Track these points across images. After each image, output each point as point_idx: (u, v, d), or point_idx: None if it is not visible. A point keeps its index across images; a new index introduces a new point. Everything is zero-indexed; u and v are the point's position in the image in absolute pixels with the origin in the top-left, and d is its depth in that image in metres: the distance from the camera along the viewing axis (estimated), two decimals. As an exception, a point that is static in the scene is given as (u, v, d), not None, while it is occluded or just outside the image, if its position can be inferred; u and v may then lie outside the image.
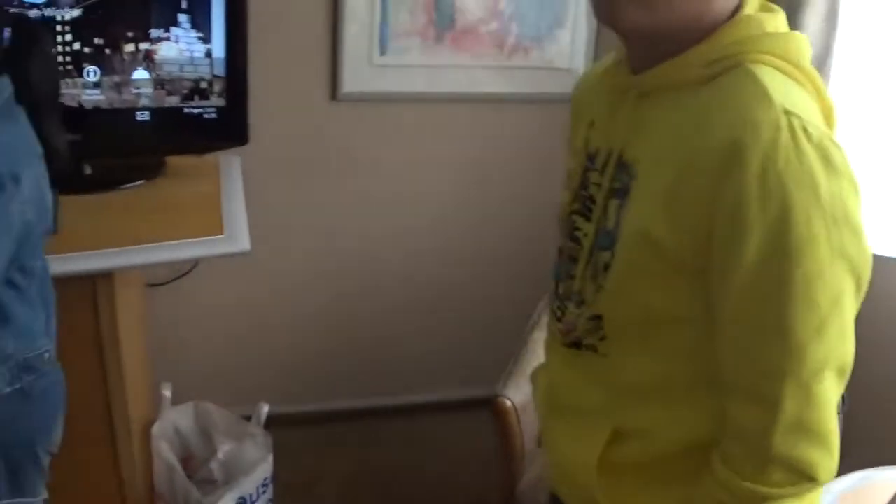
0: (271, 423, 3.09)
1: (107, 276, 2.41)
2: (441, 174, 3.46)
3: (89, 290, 2.41)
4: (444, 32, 3.24)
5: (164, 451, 2.90)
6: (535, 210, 3.42)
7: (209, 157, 2.89)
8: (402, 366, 3.67)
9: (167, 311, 3.31)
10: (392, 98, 3.30)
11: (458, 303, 3.64)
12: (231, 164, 2.88)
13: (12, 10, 2.34)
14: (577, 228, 1.55)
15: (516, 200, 3.52)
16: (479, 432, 2.73)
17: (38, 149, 1.97)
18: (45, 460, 2.17)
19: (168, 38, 2.64)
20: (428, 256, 3.55)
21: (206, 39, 2.65)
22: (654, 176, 1.38)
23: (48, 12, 2.55)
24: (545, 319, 2.43)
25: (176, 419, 3.06)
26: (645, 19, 1.34)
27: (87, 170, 2.67)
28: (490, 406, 2.33)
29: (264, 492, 2.97)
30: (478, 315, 3.64)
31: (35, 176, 1.93)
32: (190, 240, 2.45)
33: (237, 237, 2.48)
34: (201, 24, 2.64)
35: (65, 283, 2.18)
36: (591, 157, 1.55)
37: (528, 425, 2.30)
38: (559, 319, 1.60)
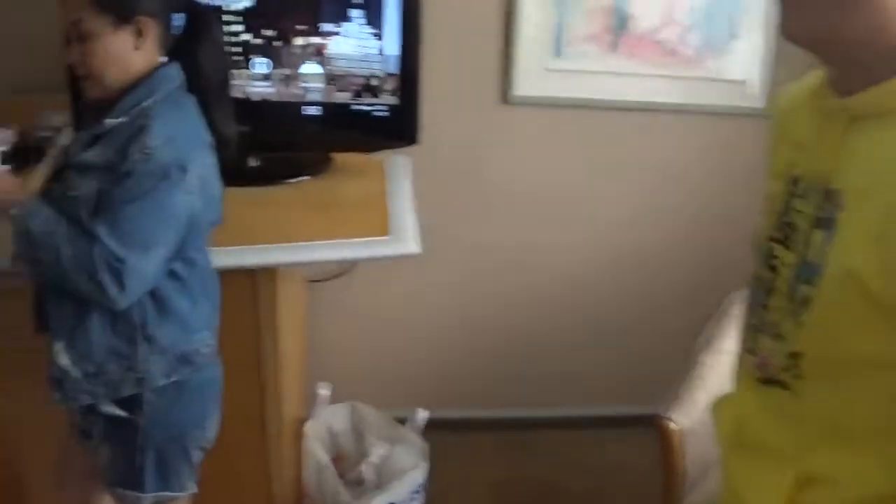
0: (424, 426, 3.05)
1: (269, 271, 2.38)
2: (609, 185, 3.34)
3: (250, 284, 2.38)
4: (618, 39, 3.13)
5: (316, 450, 2.89)
6: (706, 225, 3.31)
7: (375, 156, 2.83)
8: (562, 378, 3.58)
9: (327, 308, 3.29)
10: (564, 104, 3.19)
11: (624, 317, 3.52)
12: (398, 165, 2.83)
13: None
14: (775, 257, 1.44)
15: (687, 215, 3.38)
16: (636, 450, 2.63)
17: (207, 138, 1.96)
18: (196, 455, 2.15)
19: (340, 33, 2.60)
20: (594, 268, 3.44)
21: (379, 36, 2.59)
22: (864, 210, 1.27)
23: (218, 1, 2.55)
24: (715, 342, 2.35)
25: (330, 418, 3.04)
26: (800, 31, 1.28)
27: (253, 162, 2.65)
28: (650, 425, 2.23)
29: (415, 499, 2.92)
30: (644, 332, 3.51)
31: (202, 166, 1.91)
32: (355, 239, 2.40)
33: (404, 239, 2.42)
34: (374, 20, 2.58)
35: (225, 275, 2.17)
36: (794, 182, 1.44)
37: (691, 450, 2.19)
38: (752, 352, 1.50)
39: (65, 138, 2.75)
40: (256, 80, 2.62)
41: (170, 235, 1.87)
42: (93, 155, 1.89)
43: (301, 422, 2.93)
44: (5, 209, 1.88)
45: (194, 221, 1.91)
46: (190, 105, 1.96)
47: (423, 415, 3.03)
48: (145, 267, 1.84)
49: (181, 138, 1.88)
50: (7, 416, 2.56)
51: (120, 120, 1.88)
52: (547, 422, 3.62)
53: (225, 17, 2.56)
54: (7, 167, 2.67)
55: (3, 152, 2.74)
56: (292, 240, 2.37)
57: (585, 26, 3.09)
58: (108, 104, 1.92)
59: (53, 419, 2.18)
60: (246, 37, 2.59)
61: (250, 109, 2.56)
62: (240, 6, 2.57)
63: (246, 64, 2.60)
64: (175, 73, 1.97)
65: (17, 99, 2.94)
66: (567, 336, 3.52)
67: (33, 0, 2.80)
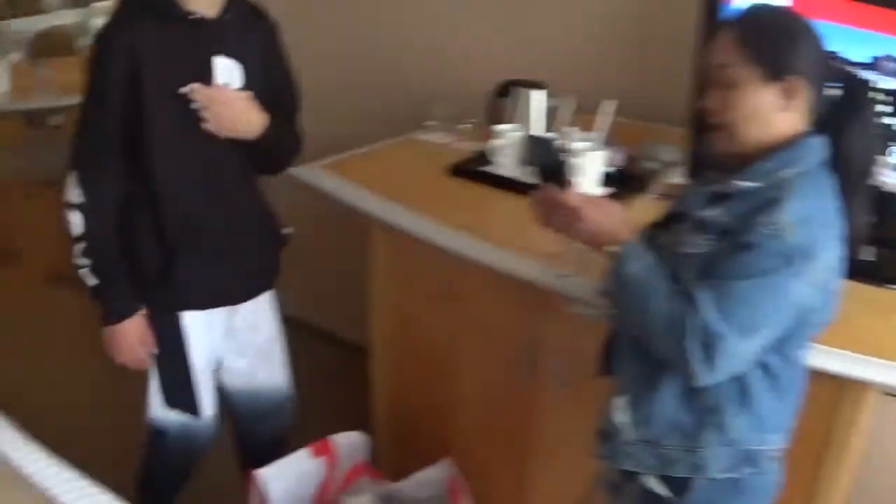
0: None
1: (859, 382, 2.10)
2: None
3: (833, 389, 2.13)
4: None
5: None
6: None
7: None
8: None
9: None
10: None
11: None
12: None
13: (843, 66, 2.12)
14: None
15: None
16: None
17: (840, 227, 1.73)
18: None
19: None
20: None
21: None
22: None
23: (870, 76, 2.32)
24: None
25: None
26: None
27: (866, 256, 2.39)
28: None
29: None
30: None
31: (830, 257, 1.70)
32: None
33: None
34: None
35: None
36: None
37: None
38: None
39: (673, 178, 2.66)
40: (889, 168, 2.37)
41: (775, 324, 1.68)
42: (715, 214, 1.75)
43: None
44: (607, 241, 1.80)
45: (805, 317, 1.71)
46: (829, 186, 1.75)
47: None
48: (740, 350, 1.66)
49: (816, 222, 1.67)
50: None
51: (753, 184, 1.72)
52: None
53: (872, 95, 2.33)
54: (608, 190, 2.62)
55: (608, 174, 2.70)
56: (887, 354, 2.06)
57: None
58: (736, 162, 1.77)
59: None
60: (889, 120, 2.34)
61: (877, 199, 2.30)
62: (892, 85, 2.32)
63: (883, 150, 2.35)
64: (820, 147, 1.77)
65: (625, 122, 2.92)
66: None
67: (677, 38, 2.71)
